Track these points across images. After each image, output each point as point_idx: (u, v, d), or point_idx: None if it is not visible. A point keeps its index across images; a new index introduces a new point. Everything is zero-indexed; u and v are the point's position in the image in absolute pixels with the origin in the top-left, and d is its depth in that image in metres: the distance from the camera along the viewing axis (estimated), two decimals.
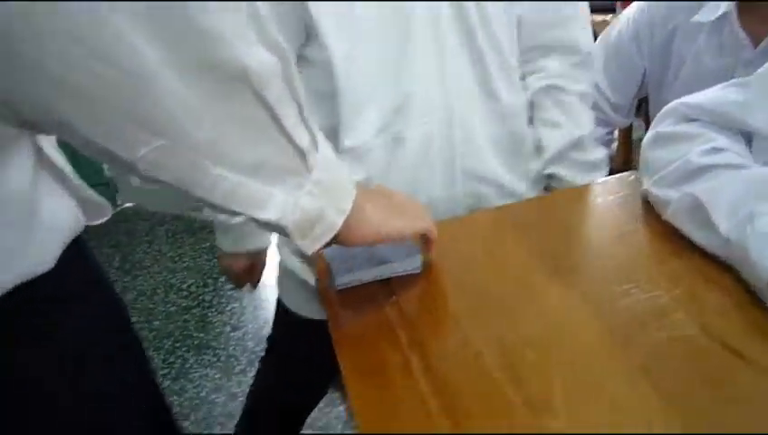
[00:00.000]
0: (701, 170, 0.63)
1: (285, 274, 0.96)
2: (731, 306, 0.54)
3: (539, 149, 0.96)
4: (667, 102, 0.74)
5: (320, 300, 0.63)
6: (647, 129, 0.79)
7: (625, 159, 1.74)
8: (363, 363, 0.53)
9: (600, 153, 0.96)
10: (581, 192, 0.79)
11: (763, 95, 0.66)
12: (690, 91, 0.72)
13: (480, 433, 0.45)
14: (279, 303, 1.02)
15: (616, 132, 1.47)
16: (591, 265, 0.63)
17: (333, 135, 0.79)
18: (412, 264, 0.64)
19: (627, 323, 0.54)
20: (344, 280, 0.62)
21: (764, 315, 0.53)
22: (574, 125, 0.94)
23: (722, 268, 0.59)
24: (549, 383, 0.49)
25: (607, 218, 0.71)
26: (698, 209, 0.61)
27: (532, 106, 0.93)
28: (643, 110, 1.41)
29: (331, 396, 1.58)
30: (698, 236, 0.62)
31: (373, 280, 0.63)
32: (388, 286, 0.62)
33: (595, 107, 1.26)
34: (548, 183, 0.96)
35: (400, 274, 0.63)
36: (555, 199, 0.78)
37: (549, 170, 0.94)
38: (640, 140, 0.75)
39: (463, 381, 0.50)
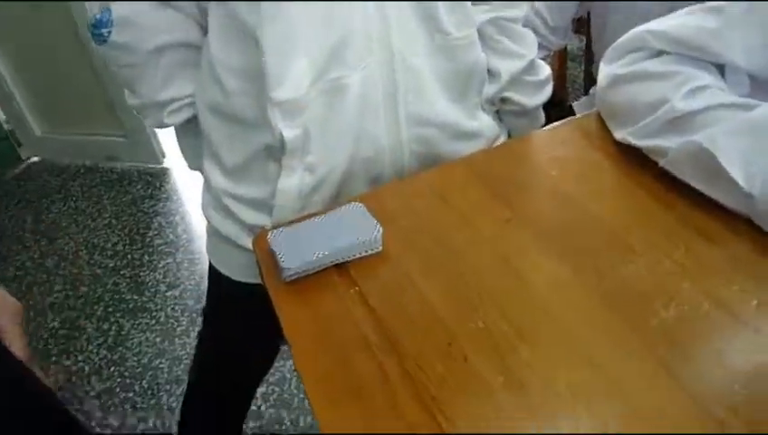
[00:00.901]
0: (688, 117, 0.56)
1: (217, 239, 0.86)
2: (730, 270, 0.48)
3: (492, 76, 0.92)
4: (613, 21, 0.64)
5: (270, 295, 0.54)
6: (587, 44, 0.70)
7: (559, 72, 1.71)
8: (322, 371, 0.44)
9: (545, 71, 0.93)
10: (545, 138, 0.70)
11: (740, 20, 0.58)
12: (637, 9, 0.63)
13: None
14: (212, 271, 0.92)
15: None
16: (574, 228, 0.55)
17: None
18: (372, 243, 0.54)
19: (630, 301, 0.47)
20: (294, 267, 0.52)
21: (761, 279, 0.47)
22: (524, 49, 0.90)
23: (719, 219, 0.52)
24: (551, 387, 0.42)
25: (587, 170, 0.63)
26: (707, 158, 0.53)
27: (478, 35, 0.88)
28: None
29: (283, 348, 1.51)
30: (709, 188, 0.55)
31: (329, 265, 0.54)
32: (345, 270, 0.53)
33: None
34: (501, 107, 0.94)
35: (358, 256, 0.54)
36: (513, 148, 0.69)
37: (502, 94, 0.91)
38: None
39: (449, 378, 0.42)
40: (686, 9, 0.63)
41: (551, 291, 0.49)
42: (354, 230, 0.54)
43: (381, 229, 0.54)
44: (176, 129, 0.88)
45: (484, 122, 0.94)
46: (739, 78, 0.60)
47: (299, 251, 0.53)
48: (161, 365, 1.56)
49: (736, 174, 0.51)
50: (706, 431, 0.37)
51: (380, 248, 0.55)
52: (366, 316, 0.49)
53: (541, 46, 1.22)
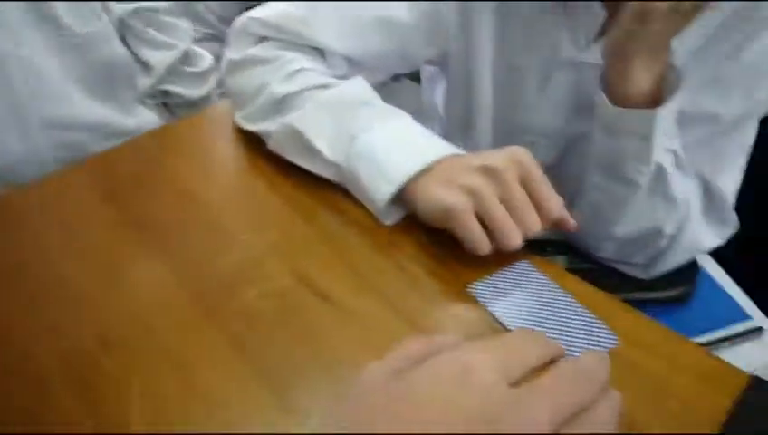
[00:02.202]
0: (286, 99, 0.59)
1: None
2: (317, 243, 0.51)
3: (146, 69, 0.91)
4: None
5: None
6: None
7: None
8: None
9: (207, 62, 0.94)
10: (173, 132, 0.68)
11: (327, 7, 0.62)
12: None
13: None
14: None
15: None
16: (182, 223, 0.54)
17: None
18: None
19: (218, 289, 0.47)
20: None
21: (348, 247, 0.51)
22: (176, 40, 0.90)
23: (316, 196, 0.56)
24: (126, 396, 0.40)
25: (207, 161, 0.63)
26: (299, 137, 0.56)
27: (123, 28, 0.85)
28: None
29: None
30: (306, 163, 0.58)
31: None
32: None
33: (205, 23, 1.18)
34: (164, 100, 0.93)
35: None
36: (140, 144, 0.66)
37: (162, 87, 0.91)
38: None
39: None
40: None
41: (149, 295, 0.48)
42: None
43: None
44: None
45: (146, 118, 0.90)
46: (336, 60, 0.64)
47: None
48: None
49: (323, 147, 0.55)
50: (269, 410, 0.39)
51: None
52: None
53: (215, 37, 1.22)
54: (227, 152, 0.63)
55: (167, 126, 0.71)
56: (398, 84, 1.08)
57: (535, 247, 0.78)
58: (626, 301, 0.73)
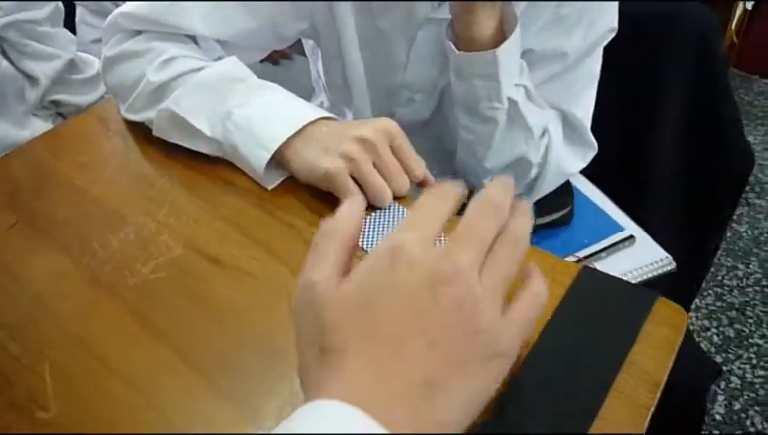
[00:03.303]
0: (163, 87, 0.62)
1: None
2: (206, 213, 0.56)
3: (33, 81, 0.92)
4: None
5: None
6: None
7: None
8: None
9: (94, 68, 0.96)
10: (61, 133, 0.70)
11: None
12: None
13: None
14: None
15: None
16: (78, 217, 0.57)
17: None
18: None
19: (115, 268, 0.51)
20: None
21: (235, 212, 0.55)
22: (59, 50, 0.91)
23: (204, 173, 0.60)
24: (39, 376, 0.44)
25: (98, 156, 0.65)
26: (179, 120, 0.60)
27: (2, 42, 0.86)
28: None
29: None
30: (189, 144, 0.61)
31: None
32: None
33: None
34: (56, 110, 0.94)
35: None
36: (32, 148, 0.68)
37: (51, 98, 0.92)
38: None
39: None
40: None
41: (49, 285, 0.51)
42: None
43: None
44: None
45: (41, 128, 0.91)
46: (210, 44, 0.68)
47: None
48: None
49: (202, 126, 0.59)
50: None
51: None
52: None
53: None
54: (116, 145, 0.66)
55: (54, 129, 0.73)
56: (292, 62, 1.11)
57: None
58: None
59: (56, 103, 0.93)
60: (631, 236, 0.79)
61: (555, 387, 0.39)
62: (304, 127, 0.56)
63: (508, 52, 0.62)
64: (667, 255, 0.78)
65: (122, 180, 0.62)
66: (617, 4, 0.69)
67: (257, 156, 0.56)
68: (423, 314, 0.29)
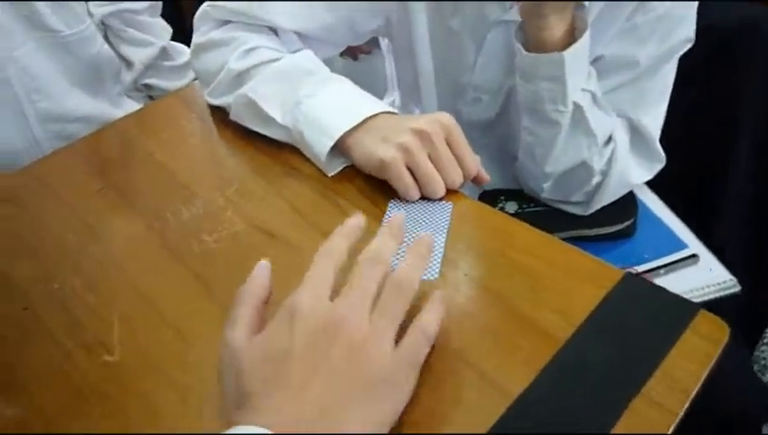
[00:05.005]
0: (242, 74, 0.66)
1: None
2: (268, 194, 0.59)
3: (128, 65, 1.00)
4: None
5: None
6: None
7: None
8: None
9: (185, 56, 1.02)
10: (148, 113, 0.77)
11: None
12: None
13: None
14: None
15: None
16: (156, 188, 0.63)
17: None
18: None
19: (183, 236, 0.56)
20: None
21: (295, 194, 0.59)
22: (154, 38, 0.99)
23: (272, 157, 0.64)
24: (106, 323, 0.49)
25: (179, 135, 0.71)
26: (253, 106, 0.64)
27: (105, 29, 0.95)
28: None
29: None
30: (262, 129, 0.65)
31: None
32: None
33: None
34: (148, 93, 1.02)
35: None
36: (118, 127, 0.74)
37: (144, 81, 0.99)
38: None
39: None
40: None
41: (124, 246, 0.56)
42: None
43: None
44: None
45: (133, 109, 0.99)
46: (289, 37, 0.72)
47: None
48: None
49: (275, 114, 0.63)
50: None
51: None
52: None
53: None
54: (195, 126, 0.71)
55: (142, 108, 0.80)
56: (372, 57, 1.14)
57: (489, 197, 0.85)
58: (575, 238, 0.80)
59: (148, 87, 1.01)
60: (695, 255, 0.77)
61: (580, 386, 0.40)
62: (367, 119, 0.58)
63: (576, 55, 0.62)
64: (732, 277, 0.75)
65: (198, 158, 0.67)
66: (694, 14, 0.68)
67: (321, 143, 0.59)
68: (318, 359, 0.36)
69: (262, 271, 0.43)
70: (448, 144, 0.56)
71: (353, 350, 0.36)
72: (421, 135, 0.55)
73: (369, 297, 0.38)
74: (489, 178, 0.59)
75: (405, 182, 0.55)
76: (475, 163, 0.57)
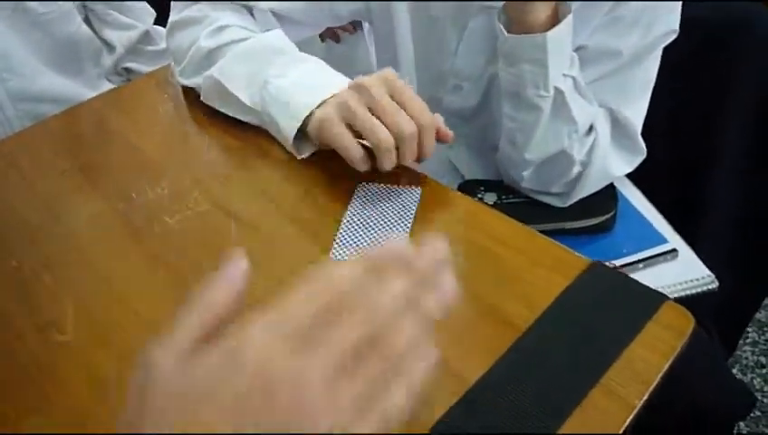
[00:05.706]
0: (212, 53, 0.65)
1: None
2: (236, 176, 0.58)
3: (109, 48, 0.98)
4: None
5: None
6: None
7: None
8: None
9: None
10: (121, 93, 0.75)
11: None
12: None
13: None
14: None
15: None
16: (123, 168, 0.61)
17: None
18: None
19: (146, 217, 0.54)
20: None
21: (263, 178, 0.57)
22: (137, 21, 0.97)
23: (239, 137, 0.62)
24: (61, 303, 0.48)
25: (151, 115, 0.69)
26: (221, 87, 0.63)
27: (87, 11, 0.93)
28: None
29: None
30: (231, 111, 0.64)
31: None
32: None
33: None
34: (128, 77, 0.99)
35: None
36: (91, 105, 0.73)
37: (124, 65, 0.97)
38: None
39: None
40: None
41: (85, 226, 0.55)
42: None
43: None
44: None
45: None
46: (265, 17, 0.71)
47: None
48: None
49: (242, 95, 0.61)
50: None
51: None
52: None
53: None
54: (169, 107, 0.69)
55: (116, 88, 0.78)
56: (356, 39, 1.12)
57: (468, 188, 0.84)
58: (554, 231, 0.79)
59: (128, 70, 0.99)
60: (674, 250, 0.76)
61: (538, 373, 0.39)
62: (333, 97, 0.56)
63: (558, 38, 0.61)
64: (710, 273, 0.74)
65: (168, 140, 0.65)
66: (679, 5, 0.66)
67: (288, 125, 0.57)
68: (246, 423, 0.25)
69: (232, 274, 0.30)
70: (391, 95, 0.52)
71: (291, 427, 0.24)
72: (358, 88, 0.52)
73: (336, 361, 0.26)
74: (452, 134, 0.55)
75: (342, 138, 0.52)
76: (424, 111, 0.53)
